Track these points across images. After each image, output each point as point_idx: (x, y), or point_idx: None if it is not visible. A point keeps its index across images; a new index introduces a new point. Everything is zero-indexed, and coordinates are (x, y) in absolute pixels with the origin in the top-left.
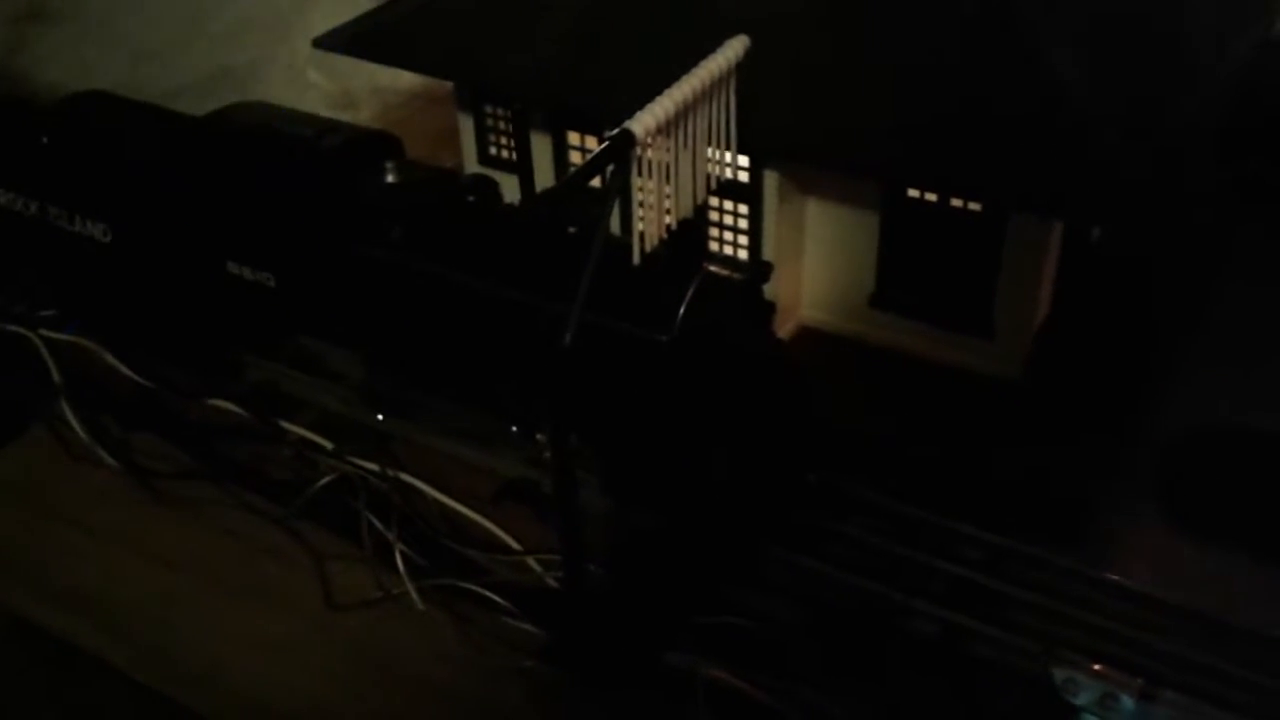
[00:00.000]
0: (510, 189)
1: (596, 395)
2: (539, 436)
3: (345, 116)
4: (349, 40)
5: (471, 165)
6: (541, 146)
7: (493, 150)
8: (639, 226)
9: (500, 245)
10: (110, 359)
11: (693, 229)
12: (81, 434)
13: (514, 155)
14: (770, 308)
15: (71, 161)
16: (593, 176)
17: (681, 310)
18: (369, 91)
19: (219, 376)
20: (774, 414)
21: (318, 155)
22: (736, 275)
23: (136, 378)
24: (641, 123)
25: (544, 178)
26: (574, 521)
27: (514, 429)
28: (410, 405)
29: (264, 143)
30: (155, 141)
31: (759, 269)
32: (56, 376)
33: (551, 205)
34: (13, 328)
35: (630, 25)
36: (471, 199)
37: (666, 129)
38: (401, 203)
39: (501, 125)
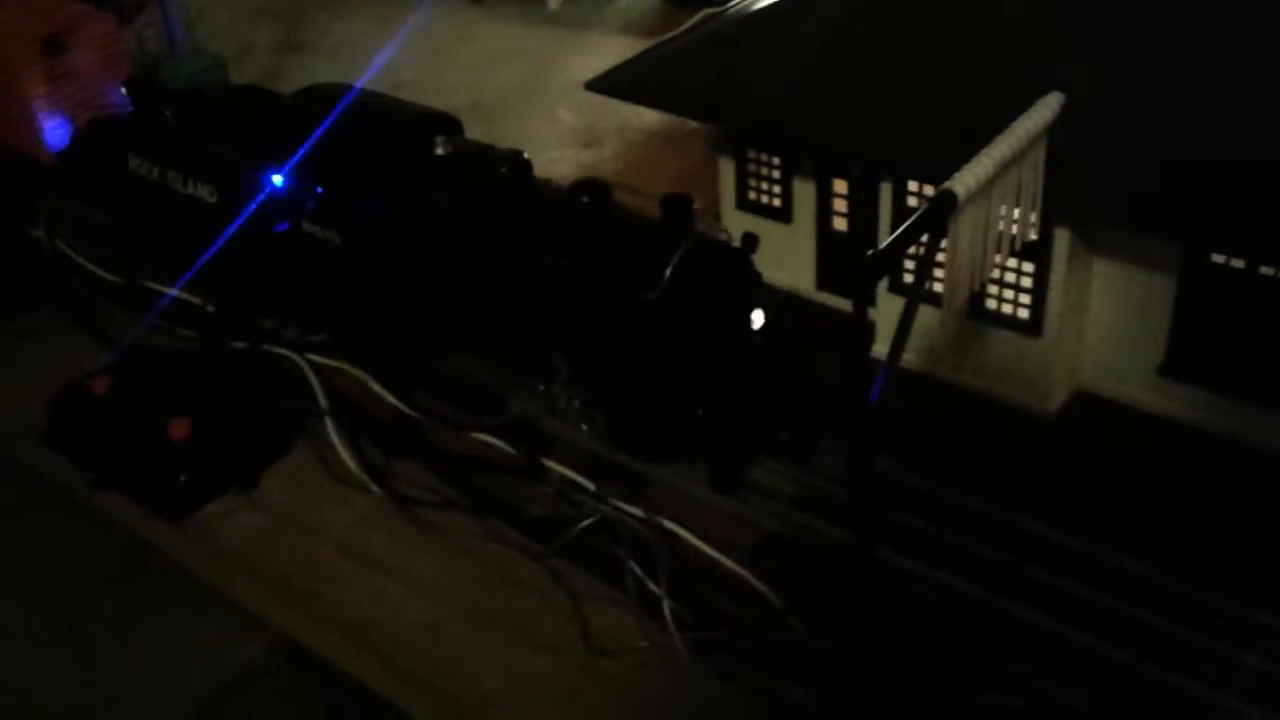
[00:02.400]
0: (770, 235)
1: (596, 346)
2: (541, 386)
3: (589, 154)
4: (619, 84)
5: (729, 209)
6: (804, 193)
7: (752, 195)
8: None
9: (522, 212)
10: (374, 386)
11: (684, 201)
12: (349, 461)
13: (775, 201)
14: (756, 276)
15: (187, 133)
16: (917, 237)
17: (668, 272)
18: (614, 130)
19: (479, 409)
20: (754, 371)
21: (381, 131)
22: (724, 244)
23: (400, 405)
24: (963, 183)
25: (805, 225)
26: (871, 585)
27: (541, 388)
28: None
29: (339, 121)
30: (252, 117)
31: (747, 240)
32: (323, 401)
33: (878, 269)
34: (281, 350)
35: (898, 70)
36: (504, 170)
37: (983, 189)
38: (444, 173)
39: (764, 170)
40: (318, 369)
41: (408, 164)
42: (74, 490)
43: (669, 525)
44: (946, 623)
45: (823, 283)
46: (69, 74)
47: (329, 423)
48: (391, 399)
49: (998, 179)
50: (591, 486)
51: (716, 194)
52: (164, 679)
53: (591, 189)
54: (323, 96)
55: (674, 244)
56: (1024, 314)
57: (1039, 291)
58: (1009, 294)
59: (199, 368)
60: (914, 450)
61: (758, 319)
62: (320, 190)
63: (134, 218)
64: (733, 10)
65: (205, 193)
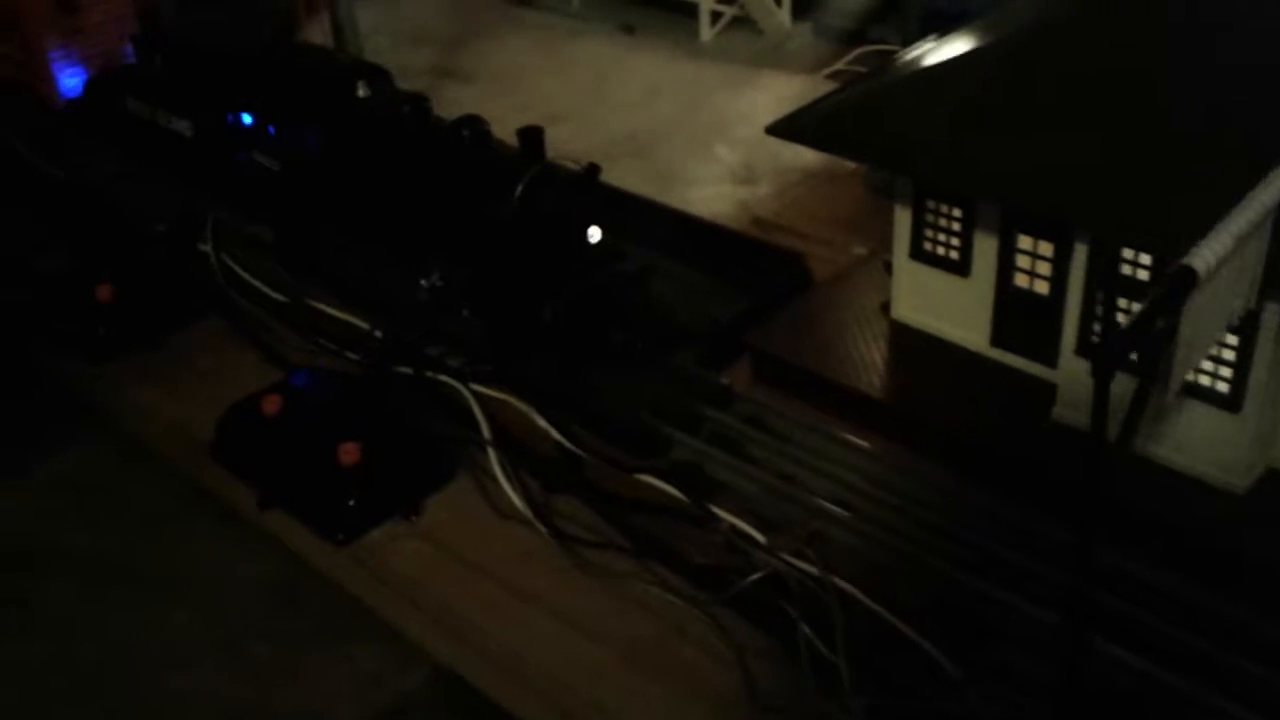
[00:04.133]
0: (945, 288)
1: (463, 256)
2: (423, 282)
3: (745, 191)
4: (800, 129)
5: (902, 258)
6: (985, 247)
7: (928, 246)
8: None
9: (415, 143)
10: (539, 420)
11: (537, 132)
12: (512, 494)
13: (953, 253)
14: (598, 200)
15: (173, 78)
16: (1159, 314)
17: (518, 192)
18: (770, 169)
19: (643, 450)
20: (593, 279)
21: (314, 78)
22: (570, 172)
23: (565, 442)
24: (1203, 259)
25: (983, 280)
26: (1079, 670)
27: (423, 283)
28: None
29: (300, 72)
30: (225, 65)
31: (589, 169)
32: (486, 432)
33: (1122, 346)
34: (445, 379)
35: (1098, 124)
36: (406, 108)
37: (1219, 264)
38: (362, 113)
39: (942, 222)
40: (481, 399)
41: (335, 105)
42: (237, 506)
43: (842, 584)
44: (1126, 700)
45: (998, 340)
46: (80, 31)
47: (492, 454)
48: (555, 434)
49: (1233, 254)
50: (762, 539)
51: (878, 236)
52: (323, 702)
53: (471, 123)
54: (277, 51)
55: (525, 169)
56: (1223, 388)
57: (1242, 366)
58: (1208, 366)
59: (367, 392)
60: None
61: (594, 234)
62: (271, 129)
63: (132, 150)
64: (909, 58)
65: (184, 128)
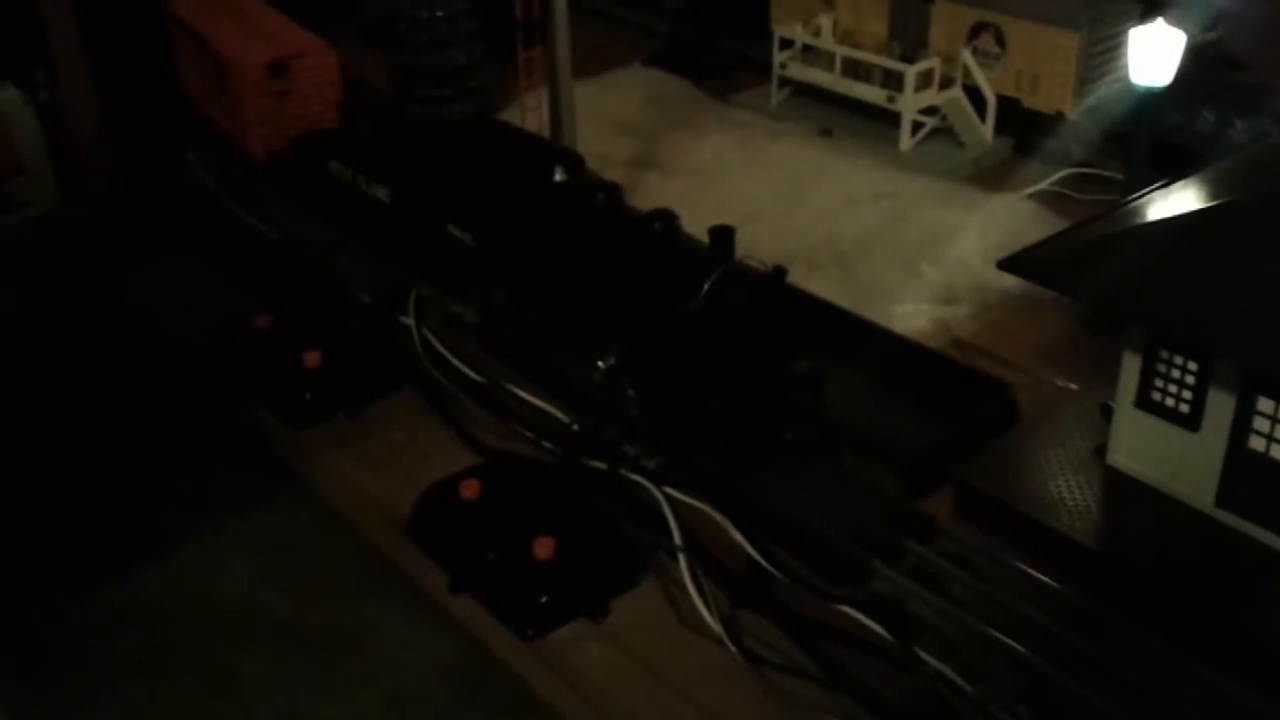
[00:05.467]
0: (1170, 441)
1: (645, 343)
2: (600, 363)
3: (945, 310)
4: (1032, 267)
5: (1125, 405)
6: (1220, 404)
7: (1156, 396)
8: None
9: (607, 230)
10: (735, 534)
11: (728, 232)
12: (701, 607)
13: (1183, 406)
14: (786, 297)
15: (374, 146)
16: None
17: (706, 288)
18: (970, 288)
19: (840, 577)
20: (774, 377)
21: (512, 159)
22: (757, 272)
23: (758, 558)
24: None
25: (1214, 437)
26: None
27: (600, 365)
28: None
29: (500, 151)
30: (426, 139)
31: (777, 271)
32: (678, 539)
33: None
34: (638, 479)
35: None
36: (600, 196)
37: None
38: (558, 196)
39: (1174, 374)
40: (674, 504)
41: (531, 186)
42: (426, 585)
43: None
44: None
45: (1224, 501)
46: (288, 93)
47: (682, 562)
48: (749, 549)
49: None
50: (969, 688)
51: (1085, 371)
52: None
53: (662, 217)
54: (480, 128)
55: (714, 266)
56: None
57: None
58: None
59: (563, 485)
60: None
61: (783, 335)
62: (464, 201)
63: (330, 211)
64: (1142, 202)
65: (382, 194)
